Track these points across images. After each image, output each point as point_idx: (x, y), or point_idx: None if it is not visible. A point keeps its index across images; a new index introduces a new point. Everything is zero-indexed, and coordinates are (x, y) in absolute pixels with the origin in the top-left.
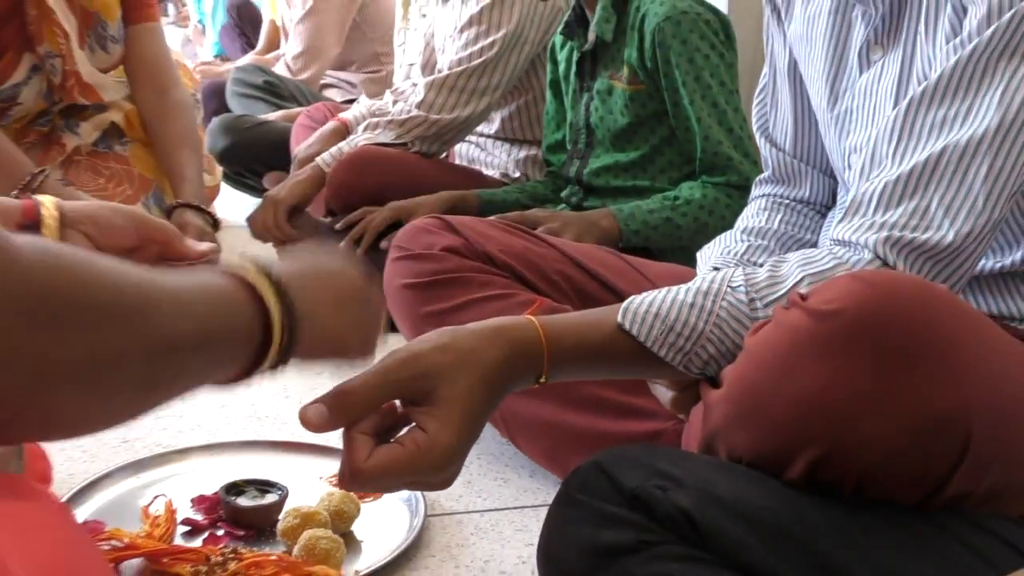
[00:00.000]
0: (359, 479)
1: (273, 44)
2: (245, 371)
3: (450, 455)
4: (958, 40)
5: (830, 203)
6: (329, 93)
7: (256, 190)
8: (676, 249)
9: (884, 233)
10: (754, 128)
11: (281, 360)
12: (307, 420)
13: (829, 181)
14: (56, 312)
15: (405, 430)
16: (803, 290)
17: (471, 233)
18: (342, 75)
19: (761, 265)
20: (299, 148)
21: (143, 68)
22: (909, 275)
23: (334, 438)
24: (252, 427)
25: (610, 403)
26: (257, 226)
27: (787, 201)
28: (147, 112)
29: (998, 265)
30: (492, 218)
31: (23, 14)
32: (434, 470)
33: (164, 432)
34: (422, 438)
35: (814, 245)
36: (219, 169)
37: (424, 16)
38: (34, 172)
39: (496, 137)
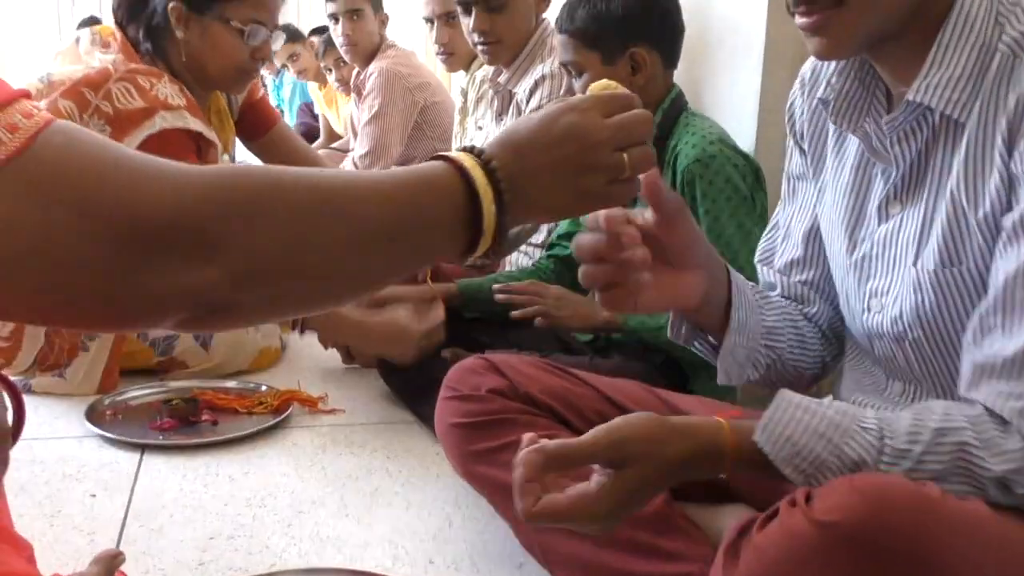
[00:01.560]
0: (530, 519)
1: (331, 136)
2: (468, 245)
3: (605, 515)
4: None
5: (828, 331)
6: None
7: None
8: (706, 366)
9: (1018, 404)
10: (756, 259)
11: (499, 229)
12: (527, 462)
13: (831, 310)
14: (258, 210)
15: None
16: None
17: (515, 374)
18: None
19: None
20: None
21: (294, 159)
22: (903, 483)
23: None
24: (315, 548)
25: (643, 545)
26: (323, 332)
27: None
28: None
29: None
30: (533, 358)
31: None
32: (589, 521)
33: (236, 553)
34: (587, 495)
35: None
36: None
37: (480, 129)
38: None
39: (543, 247)
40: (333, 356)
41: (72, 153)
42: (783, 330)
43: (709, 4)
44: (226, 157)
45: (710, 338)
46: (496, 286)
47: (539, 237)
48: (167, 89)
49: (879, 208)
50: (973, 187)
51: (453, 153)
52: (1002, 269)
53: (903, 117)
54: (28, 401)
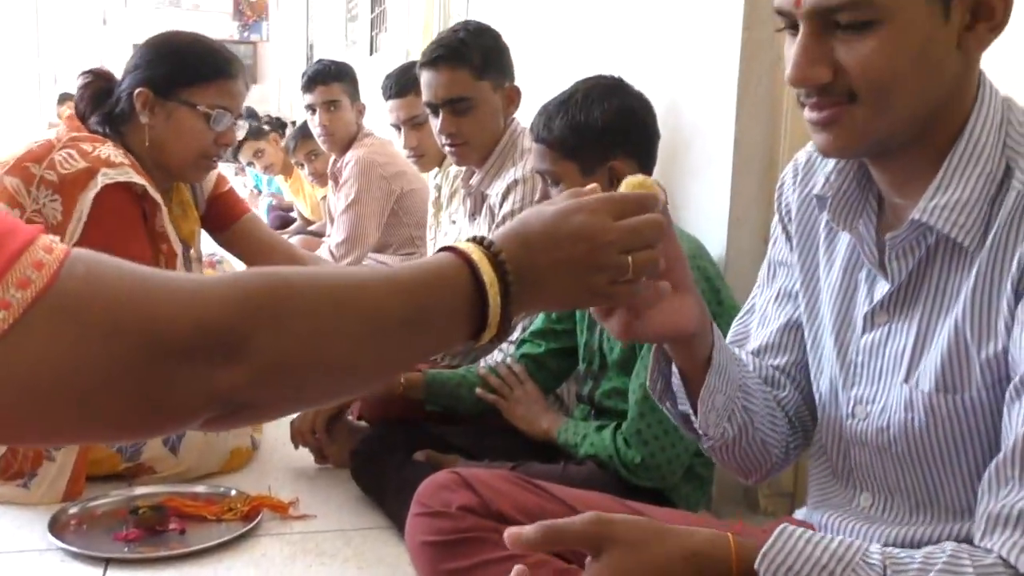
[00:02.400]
0: None
1: (304, 221)
2: (473, 333)
3: None
4: None
5: (795, 419)
6: None
7: None
8: (686, 484)
9: None
10: (728, 342)
11: (504, 319)
12: (516, 537)
13: (800, 399)
14: (279, 311)
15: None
16: None
17: (486, 491)
18: (380, 257)
19: None
20: None
21: (264, 248)
22: None
23: None
24: None
25: None
26: (296, 431)
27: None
28: None
29: None
30: (505, 471)
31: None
32: None
33: None
34: None
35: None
36: None
37: (454, 223)
38: None
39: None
40: (305, 455)
41: (94, 280)
42: (757, 396)
43: (678, 109)
44: (191, 252)
45: (686, 398)
46: (482, 370)
47: (514, 334)
48: (109, 150)
49: (865, 316)
50: (980, 321)
51: (463, 244)
52: (1017, 418)
53: (905, 234)
54: None
